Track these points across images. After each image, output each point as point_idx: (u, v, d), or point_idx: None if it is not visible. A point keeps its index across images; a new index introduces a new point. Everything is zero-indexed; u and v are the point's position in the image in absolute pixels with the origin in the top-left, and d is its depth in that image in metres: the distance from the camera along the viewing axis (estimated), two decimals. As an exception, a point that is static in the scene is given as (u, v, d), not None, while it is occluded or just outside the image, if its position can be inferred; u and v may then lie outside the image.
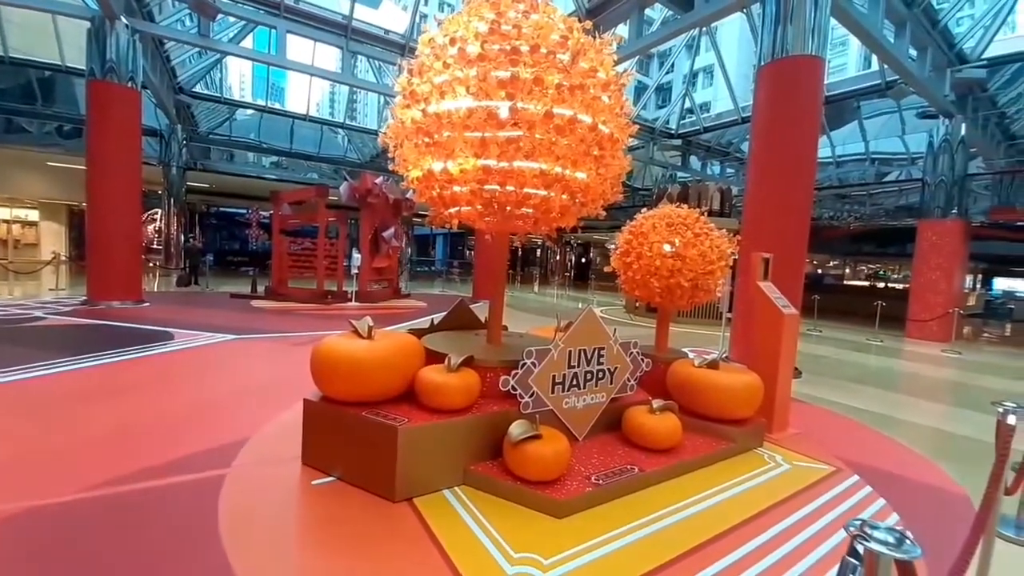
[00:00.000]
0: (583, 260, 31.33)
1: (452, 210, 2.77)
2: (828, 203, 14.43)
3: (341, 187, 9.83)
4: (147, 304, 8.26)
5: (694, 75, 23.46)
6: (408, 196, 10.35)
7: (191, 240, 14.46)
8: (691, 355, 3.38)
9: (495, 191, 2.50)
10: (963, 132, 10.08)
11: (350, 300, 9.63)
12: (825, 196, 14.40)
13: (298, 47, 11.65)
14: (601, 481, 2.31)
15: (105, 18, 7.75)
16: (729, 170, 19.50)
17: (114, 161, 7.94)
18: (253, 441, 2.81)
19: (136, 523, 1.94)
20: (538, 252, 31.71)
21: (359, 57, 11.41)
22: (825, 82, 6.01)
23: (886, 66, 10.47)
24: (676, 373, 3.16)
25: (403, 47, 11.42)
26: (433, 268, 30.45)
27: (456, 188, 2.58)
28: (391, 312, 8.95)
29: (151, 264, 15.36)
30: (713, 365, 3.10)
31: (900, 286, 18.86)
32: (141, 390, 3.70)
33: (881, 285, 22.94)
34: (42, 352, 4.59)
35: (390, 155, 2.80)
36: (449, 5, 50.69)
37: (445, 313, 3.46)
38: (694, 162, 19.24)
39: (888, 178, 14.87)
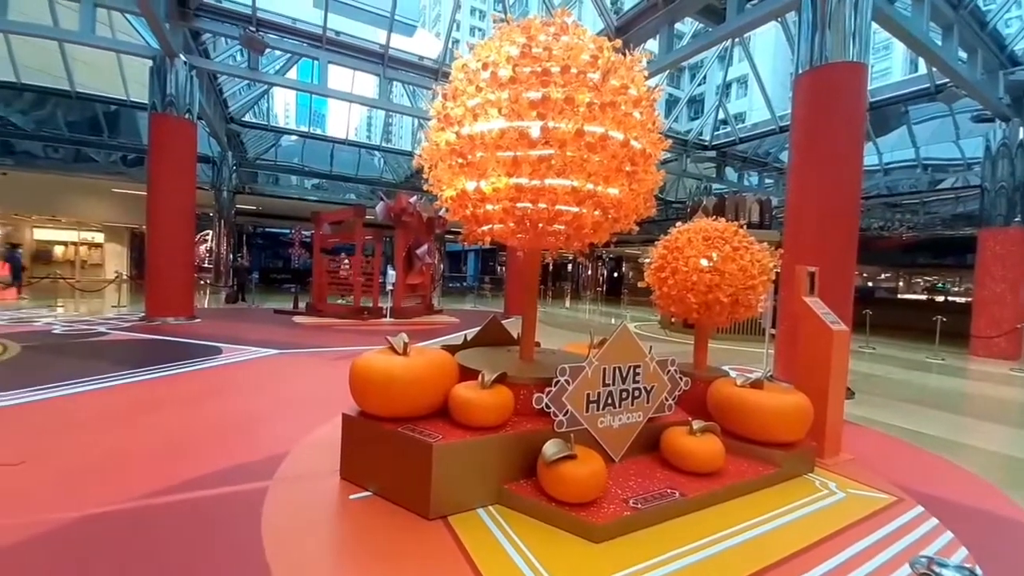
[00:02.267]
0: (615, 275, 30.92)
1: (485, 228, 2.81)
2: (877, 212, 13.71)
3: (377, 207, 10.16)
4: (198, 320, 8.74)
5: (727, 86, 23.07)
6: (441, 214, 10.60)
7: (239, 259, 15.26)
8: (733, 374, 3.25)
9: (527, 208, 2.52)
10: (1022, 135, 9.41)
11: (385, 316, 9.86)
12: (874, 205, 13.69)
13: (338, 76, 12.27)
14: (640, 505, 2.23)
15: (166, 56, 8.43)
16: (768, 181, 18.91)
17: (172, 187, 8.55)
18: (294, 454, 2.89)
19: (185, 531, 2.02)
20: (569, 267, 31.56)
21: (395, 83, 11.88)
22: (868, 87, 5.77)
23: (935, 69, 9.96)
24: (717, 393, 3.04)
25: (436, 72, 11.81)
26: (464, 284, 30.81)
27: (489, 206, 2.62)
28: (424, 328, 9.09)
29: (202, 282, 16.28)
30: (757, 385, 2.96)
31: (961, 299, 17.55)
32: (191, 403, 3.89)
33: (940, 298, 21.41)
34: (104, 365, 4.92)
35: (425, 176, 2.88)
36: (480, 30, 52.33)
37: (478, 329, 3.48)
38: (730, 173, 18.76)
39: (942, 185, 13.99)
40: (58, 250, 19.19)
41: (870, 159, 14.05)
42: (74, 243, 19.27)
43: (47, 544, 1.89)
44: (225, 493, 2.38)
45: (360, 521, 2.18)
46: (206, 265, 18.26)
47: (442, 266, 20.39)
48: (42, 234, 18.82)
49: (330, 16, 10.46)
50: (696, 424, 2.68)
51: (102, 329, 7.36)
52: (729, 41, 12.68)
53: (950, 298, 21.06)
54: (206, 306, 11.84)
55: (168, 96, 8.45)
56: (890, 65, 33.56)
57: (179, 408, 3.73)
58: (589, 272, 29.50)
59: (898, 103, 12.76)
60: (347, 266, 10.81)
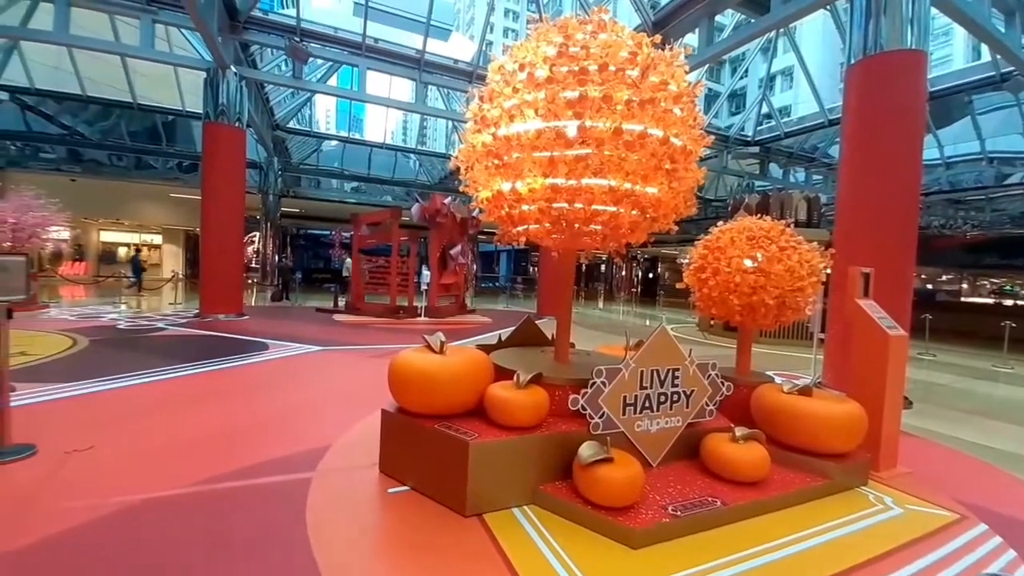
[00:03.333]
0: (650, 275, 30.26)
1: (520, 228, 2.82)
2: (938, 210, 12.79)
3: (412, 208, 10.37)
4: (247, 317, 9.18)
5: (771, 78, 22.14)
6: (475, 215, 10.73)
7: (283, 259, 15.94)
8: (778, 379, 3.11)
9: (563, 209, 2.51)
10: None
11: (420, 315, 10.05)
12: (934, 202, 12.78)
13: (376, 82, 12.60)
14: (679, 512, 2.17)
15: (218, 68, 8.92)
16: (816, 177, 18.00)
17: (223, 191, 9.04)
18: (336, 447, 3.00)
19: (238, 516, 2.14)
20: (602, 267, 31.15)
21: (430, 86, 12.09)
22: (928, 76, 5.39)
23: (999, 57, 9.19)
24: (762, 399, 2.92)
25: (470, 74, 11.93)
26: (497, 284, 30.97)
27: (525, 207, 2.62)
28: (458, 327, 9.20)
29: (250, 281, 17.12)
30: (806, 391, 2.82)
31: (1035, 303, 16.11)
32: (241, 395, 4.12)
33: (1008, 302, 19.73)
34: (163, 359, 5.25)
35: (460, 177, 2.91)
36: (513, 31, 52.46)
37: (512, 329, 3.49)
38: (774, 170, 17.96)
39: (1011, 180, 12.89)
40: (121, 251, 20.65)
41: (930, 152, 13.10)
42: (135, 244, 20.69)
43: (113, 525, 2.04)
44: (273, 482, 2.49)
45: (399, 514, 2.24)
46: (253, 265, 19.21)
47: (475, 266, 20.59)
48: (107, 236, 20.31)
49: (369, 24, 10.76)
50: (739, 431, 2.59)
51: (161, 325, 7.87)
52: (773, 32, 12.17)
53: (1020, 302, 19.35)
54: (253, 304, 12.42)
55: (220, 106, 8.95)
56: (950, 52, 31.19)
57: (231, 400, 3.94)
58: (623, 272, 29.02)
59: (961, 92, 11.84)
60: (380, 265, 11.10)
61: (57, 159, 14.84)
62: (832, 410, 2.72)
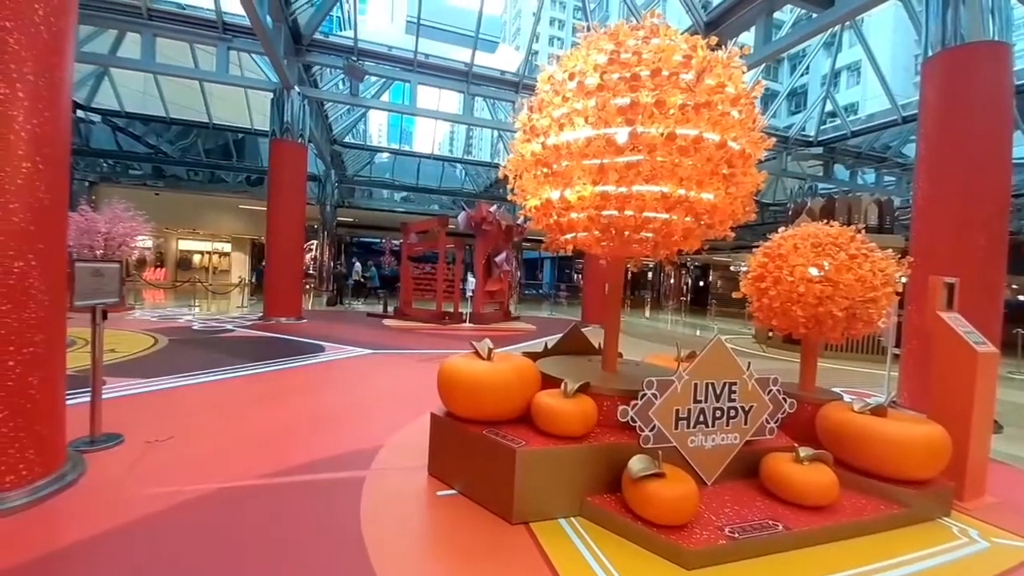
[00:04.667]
0: (700, 283, 29.07)
1: (568, 236, 2.81)
2: (1033, 212, 11.46)
3: (459, 216, 10.59)
4: (305, 320, 9.71)
5: (836, 74, 20.81)
6: (520, 223, 10.80)
7: (337, 266, 16.77)
8: (847, 397, 2.89)
9: (613, 216, 2.47)
10: None
11: (465, 321, 10.20)
12: (1028, 204, 11.47)
13: (426, 95, 13.05)
14: (737, 535, 2.06)
15: (284, 88, 9.57)
16: (888, 178, 16.69)
17: (286, 203, 9.66)
18: (387, 447, 3.10)
19: (298, 509, 2.25)
20: (649, 275, 30.32)
21: (477, 98, 12.36)
22: (1014, 68, 4.89)
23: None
24: (829, 418, 2.72)
25: (517, 84, 12.09)
26: (540, 291, 30.89)
27: (573, 215, 2.61)
28: (502, 334, 9.25)
29: (307, 287, 18.12)
30: (879, 411, 2.60)
31: None
32: (299, 393, 4.35)
33: None
34: (232, 358, 5.66)
35: (509, 186, 2.94)
36: (558, 39, 52.64)
37: (559, 337, 3.47)
38: (840, 171, 16.82)
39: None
40: (196, 258, 22.50)
41: (1020, 150, 11.78)
42: (208, 252, 22.48)
43: (190, 511, 2.21)
44: (331, 479, 2.62)
45: (448, 517, 2.27)
46: (311, 272, 20.32)
47: (519, 273, 20.69)
48: (184, 244, 22.20)
49: (420, 41, 11.18)
50: (804, 451, 2.42)
51: (230, 326, 8.48)
52: (838, 26, 11.47)
53: None
54: (310, 308, 13.12)
55: (285, 123, 9.59)
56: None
57: (291, 398, 4.18)
58: (672, 280, 28.08)
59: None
60: (427, 272, 11.43)
61: (143, 175, 16.48)
62: (911, 433, 2.49)
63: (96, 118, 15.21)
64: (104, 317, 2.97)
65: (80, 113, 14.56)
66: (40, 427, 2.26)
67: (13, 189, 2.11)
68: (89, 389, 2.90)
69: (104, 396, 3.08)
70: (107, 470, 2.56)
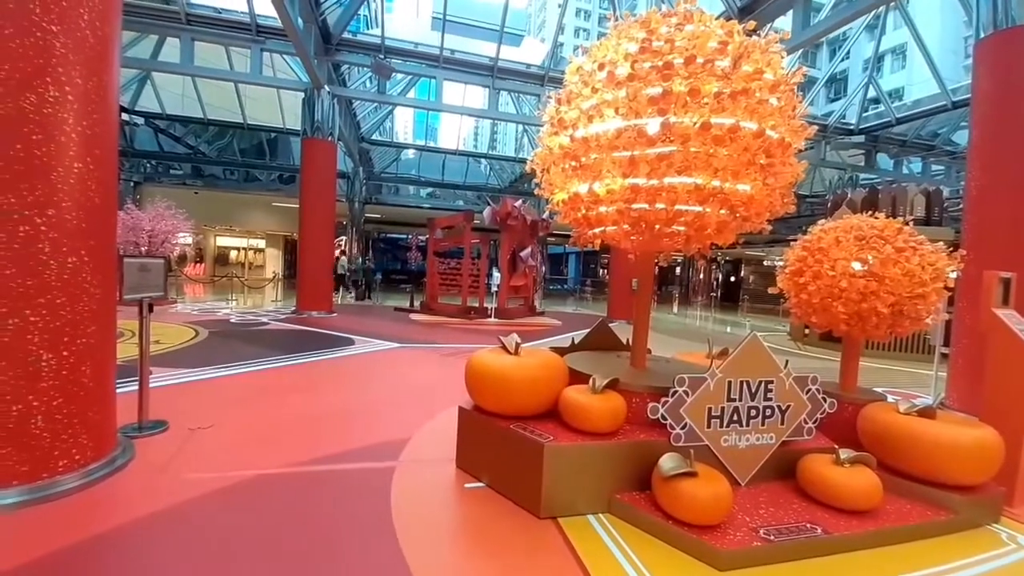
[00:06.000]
0: (731, 278, 28.26)
1: (597, 230, 2.76)
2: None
3: (484, 212, 10.61)
4: (335, 314, 9.96)
5: (879, 58, 19.74)
6: (544, 218, 10.74)
7: (366, 262, 17.11)
8: (891, 398, 2.76)
9: (643, 209, 2.42)
10: None
11: (490, 316, 10.24)
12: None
13: (451, 91, 13.10)
14: (772, 537, 2.00)
15: (314, 88, 9.78)
16: (936, 168, 15.76)
17: (317, 200, 9.92)
18: (416, 439, 3.15)
19: (332, 497, 2.32)
20: (677, 270, 29.68)
21: (501, 91, 12.33)
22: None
23: None
24: (872, 419, 2.59)
25: (542, 77, 11.98)
26: (565, 286, 30.71)
27: (602, 208, 2.56)
28: (527, 329, 9.24)
29: (349, 282, 18.60)
30: (927, 413, 2.47)
31: None
32: (331, 385, 4.48)
33: None
34: (268, 350, 5.86)
35: (536, 180, 2.91)
36: (584, 30, 51.85)
37: (586, 332, 3.43)
38: (883, 160, 15.94)
39: None
40: (232, 254, 23.38)
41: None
42: (244, 248, 23.33)
43: (231, 495, 2.30)
44: (362, 468, 2.68)
45: (475, 510, 2.29)
46: (350, 268, 20.78)
47: (544, 268, 20.64)
48: (222, 241, 23.10)
49: (446, 36, 11.21)
50: (844, 453, 2.32)
51: (264, 320, 8.78)
52: (883, 7, 10.85)
53: None
54: (340, 302, 13.44)
55: (316, 122, 9.82)
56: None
57: (324, 389, 4.30)
58: (701, 275, 27.40)
59: None
60: (452, 267, 11.51)
61: (183, 174, 17.20)
62: (961, 436, 2.35)
63: (140, 120, 15.94)
64: (151, 310, 3.11)
65: (124, 116, 15.30)
66: (92, 414, 2.40)
67: (66, 188, 2.23)
68: (137, 378, 3.05)
69: (151, 385, 3.24)
70: (154, 455, 2.70)
